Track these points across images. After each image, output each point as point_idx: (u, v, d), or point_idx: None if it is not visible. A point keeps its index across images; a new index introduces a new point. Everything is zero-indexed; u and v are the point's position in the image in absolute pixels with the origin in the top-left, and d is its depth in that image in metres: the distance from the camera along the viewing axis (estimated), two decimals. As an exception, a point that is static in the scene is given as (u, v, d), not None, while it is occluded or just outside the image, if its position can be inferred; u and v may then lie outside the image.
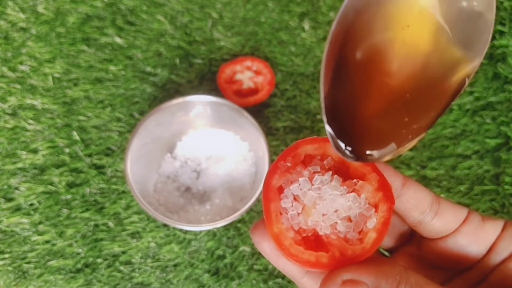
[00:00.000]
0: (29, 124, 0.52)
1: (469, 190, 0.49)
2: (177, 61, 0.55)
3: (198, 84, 0.54)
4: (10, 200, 0.49)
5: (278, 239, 0.21)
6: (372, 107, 0.20)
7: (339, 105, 0.20)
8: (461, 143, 0.51)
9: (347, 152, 0.20)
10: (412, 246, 0.27)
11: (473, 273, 0.25)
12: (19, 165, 0.50)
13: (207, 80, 0.54)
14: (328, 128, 0.20)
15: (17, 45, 0.55)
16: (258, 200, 0.43)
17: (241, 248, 0.47)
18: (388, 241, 0.28)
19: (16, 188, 0.49)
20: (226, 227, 0.47)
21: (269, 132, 0.52)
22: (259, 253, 0.47)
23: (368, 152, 0.20)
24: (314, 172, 0.22)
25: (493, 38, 0.55)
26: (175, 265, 0.46)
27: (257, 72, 0.54)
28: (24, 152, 0.50)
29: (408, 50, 0.20)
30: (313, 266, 0.21)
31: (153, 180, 0.49)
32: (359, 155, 0.20)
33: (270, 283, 0.46)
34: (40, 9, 0.57)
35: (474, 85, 0.53)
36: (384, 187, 0.22)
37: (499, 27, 0.55)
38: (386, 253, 0.28)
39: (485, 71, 0.54)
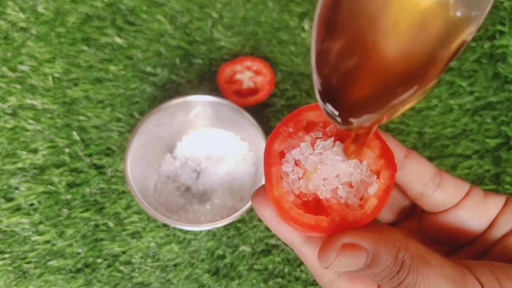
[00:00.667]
0: (29, 124, 0.52)
1: (469, 190, 0.49)
2: (177, 61, 0.55)
3: (198, 84, 0.54)
4: (10, 200, 0.49)
5: (278, 202, 0.21)
6: (364, 67, 0.19)
7: (330, 68, 0.19)
8: (461, 143, 0.51)
9: (337, 119, 0.19)
10: (412, 220, 0.27)
11: (473, 248, 0.25)
12: (19, 165, 0.50)
13: (207, 80, 0.54)
14: (318, 94, 0.19)
15: (17, 45, 0.56)
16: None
17: (241, 248, 0.47)
18: (388, 216, 0.28)
19: (16, 188, 0.49)
20: (226, 227, 0.47)
21: (269, 132, 0.52)
22: (259, 253, 0.47)
23: (358, 117, 0.19)
24: (316, 138, 0.22)
25: (493, 38, 0.55)
26: (175, 265, 0.46)
27: (257, 72, 0.54)
28: (24, 152, 0.50)
29: (406, 5, 0.19)
30: (312, 230, 0.21)
31: (153, 180, 0.49)
32: (347, 121, 0.19)
33: (270, 283, 0.46)
34: (40, 9, 0.57)
35: (474, 85, 0.53)
36: (387, 155, 0.21)
37: (499, 27, 0.55)
38: None
39: (485, 71, 0.54)
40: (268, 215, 0.23)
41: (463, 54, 0.55)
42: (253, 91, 0.53)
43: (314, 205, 0.22)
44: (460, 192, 0.24)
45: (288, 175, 0.22)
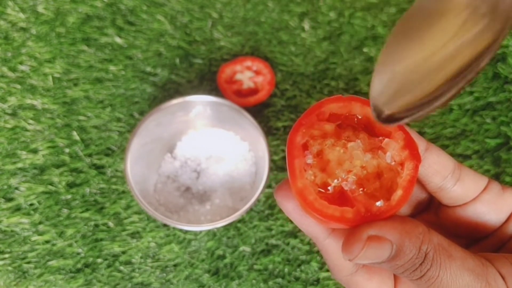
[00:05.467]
0: (29, 124, 0.52)
1: (469, 190, 0.49)
2: (177, 61, 0.55)
3: (198, 84, 0.54)
4: (10, 200, 0.49)
5: (302, 194, 0.21)
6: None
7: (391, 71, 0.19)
8: (461, 143, 0.51)
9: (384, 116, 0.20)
10: (429, 213, 0.27)
11: (490, 241, 0.25)
12: (19, 165, 0.50)
13: (207, 80, 0.54)
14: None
15: (17, 45, 0.55)
16: (258, 200, 0.43)
17: (241, 248, 0.47)
18: (405, 209, 0.28)
19: (16, 188, 0.49)
20: (226, 227, 0.47)
21: (269, 132, 0.52)
22: (259, 253, 0.47)
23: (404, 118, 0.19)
24: (340, 129, 0.22)
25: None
26: (175, 265, 0.46)
27: (257, 72, 0.54)
28: (24, 152, 0.50)
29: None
30: (337, 221, 0.21)
31: (153, 180, 0.49)
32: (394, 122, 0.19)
33: (270, 283, 0.46)
34: (40, 9, 0.57)
35: (474, 85, 0.53)
36: (410, 145, 0.21)
37: (499, 27, 0.55)
38: None
39: (485, 71, 0.54)
40: (291, 208, 0.23)
41: (463, 54, 0.55)
42: (253, 91, 0.53)
43: (338, 196, 0.22)
44: (479, 186, 0.25)
45: (311, 166, 0.21)
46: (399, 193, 0.21)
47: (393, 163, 0.21)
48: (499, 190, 0.25)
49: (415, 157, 0.21)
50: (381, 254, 0.20)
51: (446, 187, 0.24)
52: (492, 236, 0.25)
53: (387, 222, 0.20)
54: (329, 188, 0.22)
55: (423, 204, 0.28)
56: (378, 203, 0.21)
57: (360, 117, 0.22)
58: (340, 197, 0.22)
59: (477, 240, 0.26)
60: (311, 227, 0.24)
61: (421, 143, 0.23)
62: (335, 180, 0.21)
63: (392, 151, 0.21)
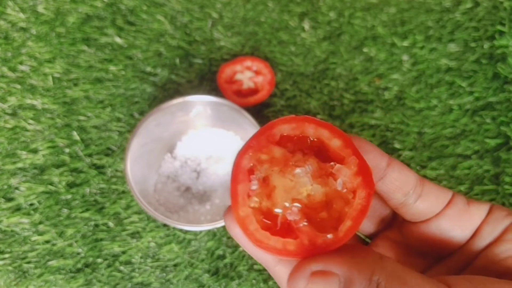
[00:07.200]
0: (29, 124, 0.52)
1: (469, 190, 0.49)
2: (177, 61, 0.55)
3: (198, 84, 0.54)
4: (10, 200, 0.49)
5: (243, 223, 0.20)
6: None
7: None
8: (461, 143, 0.51)
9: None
10: (393, 230, 0.26)
11: (456, 258, 0.24)
12: (19, 165, 0.50)
13: (207, 80, 0.55)
14: None
15: (17, 45, 0.56)
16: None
17: (241, 248, 0.47)
18: (368, 226, 0.27)
19: (16, 188, 0.49)
20: (226, 227, 0.47)
21: (269, 132, 0.52)
22: (259, 253, 0.47)
23: None
24: (289, 153, 0.20)
25: (493, 38, 0.55)
26: (175, 265, 0.46)
27: (257, 72, 0.54)
28: (24, 152, 0.50)
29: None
30: (279, 254, 0.19)
31: (153, 180, 0.49)
32: None
33: (270, 283, 0.46)
34: (40, 9, 0.57)
35: (474, 85, 0.53)
36: (364, 172, 0.20)
37: (499, 27, 0.55)
38: (367, 239, 0.28)
39: (485, 71, 0.54)
40: (240, 234, 0.22)
41: (463, 54, 0.55)
42: (253, 91, 0.54)
43: (286, 226, 0.20)
44: (442, 200, 0.24)
45: (256, 193, 0.20)
46: (347, 224, 0.19)
47: (344, 190, 0.20)
48: (464, 205, 0.24)
49: (368, 184, 0.19)
50: None
51: (408, 203, 0.23)
52: (458, 253, 0.24)
53: (333, 254, 0.19)
54: (276, 218, 0.20)
55: (387, 220, 0.27)
56: (328, 236, 0.19)
57: (313, 139, 0.20)
58: (287, 226, 0.20)
59: (444, 258, 0.25)
60: (260, 253, 0.22)
61: (382, 159, 0.23)
62: (278, 210, 0.20)
63: (344, 177, 0.20)
